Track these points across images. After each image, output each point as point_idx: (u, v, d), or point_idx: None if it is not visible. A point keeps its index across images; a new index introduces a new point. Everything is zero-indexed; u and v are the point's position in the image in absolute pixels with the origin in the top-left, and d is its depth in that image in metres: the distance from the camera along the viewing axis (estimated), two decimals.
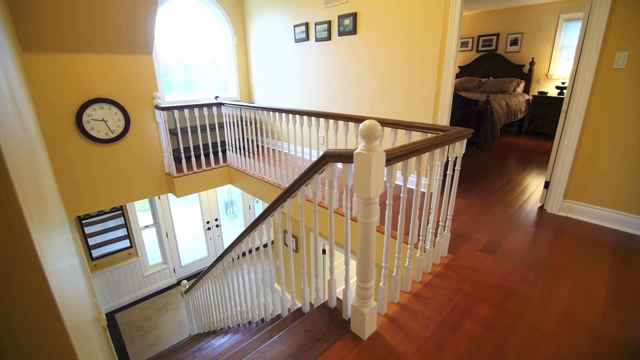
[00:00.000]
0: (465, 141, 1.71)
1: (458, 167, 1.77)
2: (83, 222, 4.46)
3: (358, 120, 2.29)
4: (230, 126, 3.81)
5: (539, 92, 5.62)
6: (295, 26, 4.02)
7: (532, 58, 5.67)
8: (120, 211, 4.79)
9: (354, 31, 3.35)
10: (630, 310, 1.56)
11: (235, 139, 3.83)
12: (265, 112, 3.12)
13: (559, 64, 5.51)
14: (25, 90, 2.36)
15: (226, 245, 5.74)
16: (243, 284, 2.57)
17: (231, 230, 6.34)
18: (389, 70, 3.13)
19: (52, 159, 3.04)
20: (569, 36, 5.32)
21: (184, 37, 4.57)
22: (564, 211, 2.54)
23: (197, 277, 3.52)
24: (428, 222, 1.77)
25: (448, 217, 1.89)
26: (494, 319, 1.52)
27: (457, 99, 4.36)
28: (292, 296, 2.01)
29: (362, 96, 3.49)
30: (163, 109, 3.41)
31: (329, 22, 3.59)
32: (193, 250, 5.87)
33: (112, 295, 4.96)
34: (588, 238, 2.21)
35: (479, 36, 6.34)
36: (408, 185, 3.04)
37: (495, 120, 4.39)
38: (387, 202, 1.38)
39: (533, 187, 3.13)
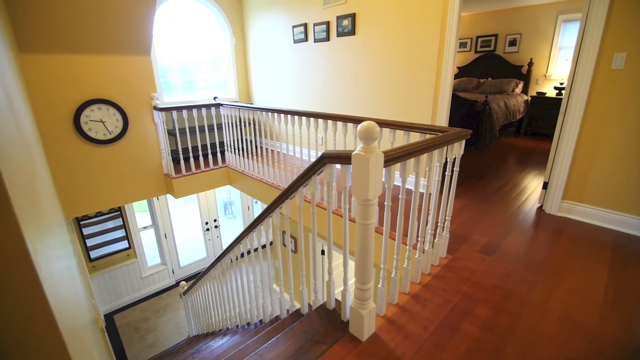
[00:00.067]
0: (463, 142, 1.71)
1: (457, 168, 1.76)
2: (81, 223, 4.45)
3: (356, 121, 2.29)
4: (228, 127, 3.80)
5: (537, 93, 5.63)
6: (294, 27, 4.02)
7: (531, 59, 5.68)
8: (119, 212, 4.77)
9: (352, 32, 3.35)
10: (629, 311, 1.55)
11: (233, 140, 3.82)
12: (263, 112, 3.12)
13: (557, 65, 5.52)
14: (23, 91, 2.35)
15: (225, 246, 5.73)
16: (242, 285, 2.56)
17: (230, 231, 6.32)
18: (388, 71, 3.13)
19: (49, 160, 3.03)
20: (567, 37, 5.33)
21: (183, 38, 4.57)
22: (563, 212, 2.54)
23: (196, 278, 3.51)
24: (427, 223, 1.76)
25: (447, 218, 1.89)
26: (492, 320, 1.51)
27: (455, 99, 4.36)
28: (291, 297, 2.01)
29: (360, 97, 3.49)
30: (161, 109, 3.41)
31: (328, 23, 3.59)
32: (192, 251, 5.86)
33: (110, 297, 4.94)
34: (587, 239, 2.21)
35: (478, 37, 6.35)
36: (407, 186, 3.04)
37: (494, 120, 4.39)
38: (385, 203, 1.38)
39: (532, 187, 3.13)
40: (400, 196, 1.45)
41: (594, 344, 1.38)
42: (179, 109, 3.44)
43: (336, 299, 1.67)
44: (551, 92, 5.52)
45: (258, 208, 6.54)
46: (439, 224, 1.89)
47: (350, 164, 1.18)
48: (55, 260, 1.30)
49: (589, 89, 2.26)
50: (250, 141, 4.65)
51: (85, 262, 4.54)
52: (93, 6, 2.74)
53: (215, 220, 5.95)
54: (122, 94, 3.35)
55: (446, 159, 1.68)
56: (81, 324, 1.57)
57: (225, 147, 3.95)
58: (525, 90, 5.80)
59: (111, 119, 3.30)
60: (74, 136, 3.15)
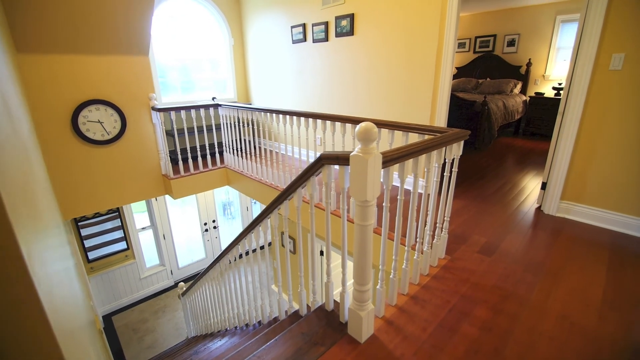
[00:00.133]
0: (462, 143, 1.70)
1: (455, 169, 1.76)
2: (79, 224, 4.43)
3: (355, 121, 2.28)
4: (227, 127, 3.80)
5: (535, 93, 5.64)
6: (292, 27, 4.02)
7: (529, 59, 5.69)
8: (117, 213, 4.76)
9: (351, 32, 3.35)
10: (628, 312, 1.55)
11: (232, 140, 3.81)
12: (262, 113, 3.11)
13: (555, 65, 5.53)
14: (20, 91, 2.34)
15: (224, 246, 5.72)
16: (240, 286, 2.56)
17: (229, 231, 6.31)
18: (386, 71, 3.13)
19: (47, 161, 3.02)
20: (565, 37, 5.34)
21: (181, 38, 4.56)
22: (561, 212, 2.54)
23: (194, 279, 3.50)
24: (425, 224, 1.76)
25: (445, 218, 1.88)
26: (491, 321, 1.51)
27: (454, 100, 4.36)
28: (289, 298, 2.00)
29: (359, 97, 3.48)
30: (159, 110, 3.40)
31: (326, 23, 3.59)
32: (190, 252, 5.84)
33: (108, 298, 4.92)
34: (585, 239, 2.21)
35: (476, 37, 6.36)
36: (405, 187, 3.04)
37: (492, 121, 4.39)
38: (383, 204, 1.37)
39: (530, 188, 3.13)
40: (398, 197, 1.44)
41: (593, 344, 1.38)
42: (177, 109, 3.43)
43: (335, 300, 1.66)
44: (549, 93, 5.53)
45: (257, 209, 6.53)
46: (437, 225, 1.88)
47: (348, 165, 1.17)
48: (52, 262, 1.29)
49: (587, 89, 2.26)
50: (249, 142, 4.64)
51: (84, 263, 4.53)
52: (90, 6, 2.73)
53: (214, 221, 5.94)
54: (120, 95, 3.33)
55: (445, 159, 1.68)
56: (78, 326, 1.56)
57: (224, 147, 3.94)
58: (523, 91, 5.81)
59: (109, 119, 3.29)
60: (71, 137, 3.14)
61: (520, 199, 2.87)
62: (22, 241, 0.75)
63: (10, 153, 1.02)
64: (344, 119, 2.36)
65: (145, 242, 5.25)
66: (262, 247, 5.90)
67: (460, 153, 1.72)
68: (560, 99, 2.58)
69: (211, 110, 3.67)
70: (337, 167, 2.15)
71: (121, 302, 5.04)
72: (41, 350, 0.81)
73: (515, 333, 1.44)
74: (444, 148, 1.59)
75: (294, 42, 4.08)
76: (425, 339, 1.42)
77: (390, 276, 1.57)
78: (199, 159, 3.74)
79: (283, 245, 4.26)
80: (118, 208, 4.75)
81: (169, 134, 4.17)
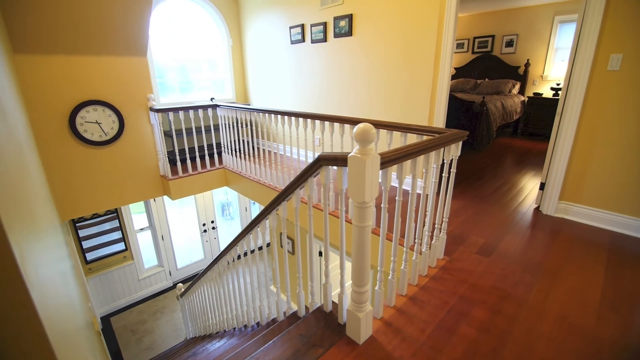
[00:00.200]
0: (460, 143, 1.70)
1: (454, 169, 1.76)
2: (77, 225, 4.41)
3: (354, 122, 2.28)
4: (225, 128, 3.79)
5: (534, 94, 5.64)
6: (291, 28, 4.01)
7: (527, 59, 5.70)
8: (115, 214, 4.74)
9: (349, 33, 3.35)
10: (626, 313, 1.55)
11: (230, 141, 3.80)
12: (261, 113, 3.11)
13: (553, 66, 5.54)
14: (16, 92, 2.33)
15: (222, 247, 5.71)
16: (239, 287, 2.55)
17: (228, 232, 6.30)
18: (385, 72, 3.12)
19: (44, 162, 3.00)
20: (563, 38, 5.35)
21: (180, 38, 4.55)
22: (560, 212, 2.54)
23: (193, 280, 3.49)
24: (424, 225, 1.76)
25: (444, 219, 1.88)
26: (489, 322, 1.51)
27: (452, 100, 4.36)
28: (288, 299, 1.99)
29: (358, 98, 3.48)
30: (157, 110, 3.38)
31: (325, 24, 3.59)
32: (189, 252, 5.83)
33: (107, 299, 4.90)
34: (584, 239, 2.21)
35: (475, 37, 6.37)
36: (404, 187, 3.03)
37: (491, 121, 4.39)
38: (382, 205, 1.37)
39: (529, 188, 3.13)
40: (397, 198, 1.44)
41: (592, 345, 1.38)
42: (176, 110, 3.42)
43: (333, 302, 1.66)
44: (548, 93, 5.54)
45: (256, 209, 6.52)
46: (436, 226, 1.88)
47: (346, 166, 1.17)
48: (47, 264, 1.28)
49: (585, 89, 2.26)
50: (247, 142, 4.64)
51: (82, 264, 4.51)
52: (87, 7, 2.72)
53: (212, 222, 5.92)
54: (118, 95, 3.32)
55: (443, 160, 1.67)
56: (74, 328, 1.55)
57: (222, 148, 3.93)
58: (522, 91, 5.82)
59: (107, 120, 3.28)
60: (69, 138, 3.12)
61: (518, 200, 2.87)
62: (14, 243, 0.74)
63: (3, 154, 1.01)
64: (342, 120, 2.36)
65: (144, 243, 5.23)
66: (260, 248, 5.89)
67: (459, 154, 1.72)
68: (558, 99, 2.58)
69: (209, 110, 3.66)
70: (335, 168, 2.15)
71: (119, 303, 5.02)
72: (34, 354, 0.80)
73: (513, 334, 1.44)
74: (442, 149, 1.59)
75: (292, 42, 4.08)
76: (423, 340, 1.41)
77: (389, 277, 1.57)
78: (197, 159, 3.73)
79: (281, 246, 4.25)
80: (116, 209, 4.74)
81: (167, 134, 4.16)
